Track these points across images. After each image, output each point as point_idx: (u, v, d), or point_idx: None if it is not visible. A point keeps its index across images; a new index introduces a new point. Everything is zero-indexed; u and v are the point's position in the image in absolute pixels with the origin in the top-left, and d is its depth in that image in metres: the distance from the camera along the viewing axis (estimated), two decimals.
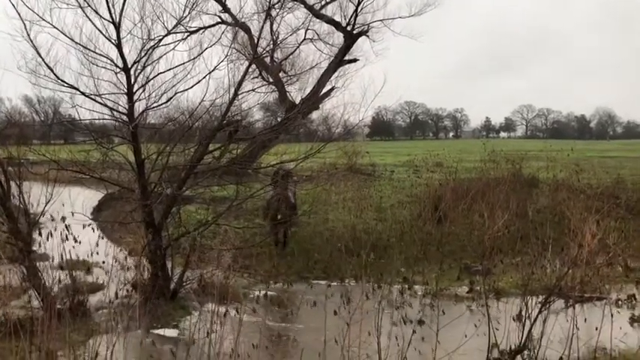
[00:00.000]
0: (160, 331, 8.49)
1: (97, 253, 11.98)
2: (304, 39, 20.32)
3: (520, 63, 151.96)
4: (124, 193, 11.55)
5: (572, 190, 17.59)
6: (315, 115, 21.76)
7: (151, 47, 9.48)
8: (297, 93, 20.30)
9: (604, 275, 10.97)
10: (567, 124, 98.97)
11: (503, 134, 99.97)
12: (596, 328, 7.53)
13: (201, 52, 9.82)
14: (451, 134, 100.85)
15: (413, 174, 21.88)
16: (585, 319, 8.18)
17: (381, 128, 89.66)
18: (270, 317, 8.63)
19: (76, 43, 9.07)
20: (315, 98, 18.32)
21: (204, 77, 9.78)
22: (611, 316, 7.55)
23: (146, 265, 10.06)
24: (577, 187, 17.98)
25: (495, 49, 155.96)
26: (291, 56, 20.64)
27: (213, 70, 9.84)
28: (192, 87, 9.84)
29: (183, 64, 9.71)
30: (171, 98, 9.82)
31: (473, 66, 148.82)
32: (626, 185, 18.40)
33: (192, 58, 9.75)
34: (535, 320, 7.11)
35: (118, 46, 9.22)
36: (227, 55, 10.37)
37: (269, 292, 10.34)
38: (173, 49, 9.76)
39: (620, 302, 9.89)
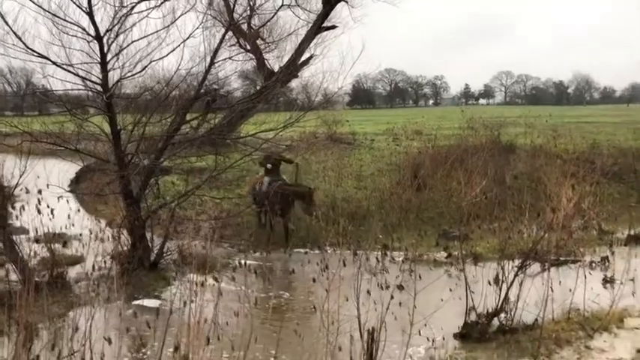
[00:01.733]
0: (142, 302, 8.51)
1: (74, 225, 11.87)
2: (282, 5, 19.95)
3: (501, 29, 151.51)
4: (100, 165, 11.43)
5: (549, 155, 17.81)
6: (294, 83, 21.58)
7: (123, 15, 9.27)
8: (275, 61, 20.07)
9: (579, 239, 11.22)
10: (546, 91, 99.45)
11: (482, 101, 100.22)
12: (570, 290, 7.72)
13: (176, 20, 9.64)
14: (431, 102, 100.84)
15: (392, 142, 21.92)
16: (560, 282, 8.39)
17: (362, 96, 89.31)
18: (249, 286, 8.69)
19: (45, 10, 8.82)
20: (293, 66, 18.09)
21: (178, 45, 9.64)
22: (585, 278, 7.73)
23: (125, 236, 10.03)
24: (554, 153, 18.22)
25: (477, 15, 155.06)
26: (268, 23, 20.31)
27: (188, 38, 9.69)
28: (166, 55, 9.69)
29: (157, 31, 9.53)
30: (145, 67, 9.67)
31: (453, 32, 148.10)
32: (602, 150, 18.69)
33: (166, 25, 9.58)
34: (511, 284, 7.25)
35: (90, 13, 8.99)
36: (202, 22, 10.21)
37: (248, 261, 10.39)
38: (146, 16, 9.55)
39: (593, 264, 10.12)
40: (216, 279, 7.98)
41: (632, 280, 8.85)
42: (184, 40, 9.64)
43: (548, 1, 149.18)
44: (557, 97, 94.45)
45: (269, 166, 12.38)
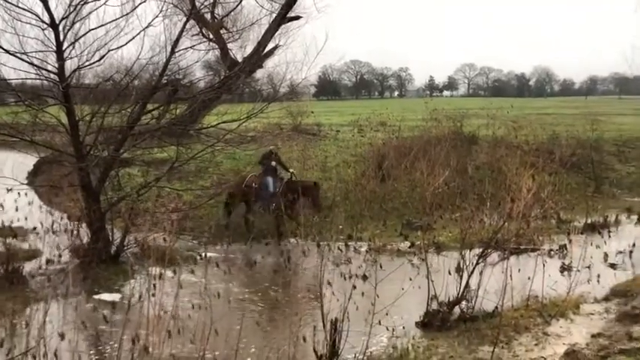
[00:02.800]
0: (102, 296, 8.32)
1: (26, 219, 11.50)
2: None
3: (466, 20, 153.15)
4: (58, 157, 11.11)
5: (510, 146, 18.13)
6: (259, 74, 21.36)
7: (79, 2, 9.00)
8: (238, 51, 19.80)
9: (538, 227, 11.45)
10: (508, 83, 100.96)
11: (446, 93, 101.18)
12: (529, 278, 7.87)
13: (135, 8, 9.43)
14: (396, 93, 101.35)
15: (358, 133, 21.96)
16: (519, 270, 8.51)
17: (328, 88, 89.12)
18: (210, 278, 8.60)
19: None
20: (257, 56, 17.90)
21: (138, 34, 9.44)
22: (543, 265, 7.89)
23: (84, 229, 9.80)
24: (515, 144, 18.55)
25: (443, 6, 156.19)
26: (232, 12, 20.01)
27: (147, 27, 9.51)
28: (125, 44, 9.49)
29: (116, 19, 9.29)
30: (104, 56, 9.41)
31: (418, 24, 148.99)
32: (561, 141, 19.11)
33: (125, 13, 9.35)
34: (472, 272, 7.35)
35: (43, 0, 8.71)
36: (162, 10, 10.01)
37: (209, 254, 10.27)
38: (104, 3, 9.29)
39: (552, 252, 10.38)
40: (175, 272, 7.86)
41: (589, 267, 9.09)
42: (144, 29, 9.46)
43: None
44: (518, 90, 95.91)
45: (273, 163, 12.21)
